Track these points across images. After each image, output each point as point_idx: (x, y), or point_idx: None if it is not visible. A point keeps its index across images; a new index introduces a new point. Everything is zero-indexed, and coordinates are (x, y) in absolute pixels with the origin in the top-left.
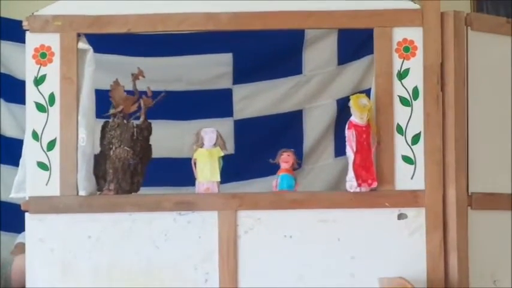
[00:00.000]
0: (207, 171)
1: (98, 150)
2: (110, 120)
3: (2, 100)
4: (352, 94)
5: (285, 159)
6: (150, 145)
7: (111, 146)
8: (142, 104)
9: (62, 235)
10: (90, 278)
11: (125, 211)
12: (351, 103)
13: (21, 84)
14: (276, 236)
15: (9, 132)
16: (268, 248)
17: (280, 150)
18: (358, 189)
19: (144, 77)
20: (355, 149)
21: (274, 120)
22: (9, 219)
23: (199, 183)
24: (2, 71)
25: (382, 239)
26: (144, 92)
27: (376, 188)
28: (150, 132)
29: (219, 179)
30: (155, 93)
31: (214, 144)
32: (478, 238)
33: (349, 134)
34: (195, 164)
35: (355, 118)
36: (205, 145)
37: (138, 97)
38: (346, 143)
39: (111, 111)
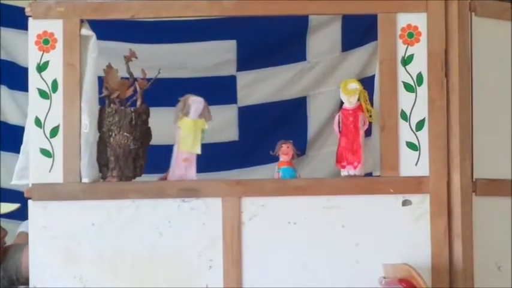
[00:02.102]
0: (190, 141)
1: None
2: (106, 105)
3: (5, 87)
4: (357, 80)
5: (285, 151)
6: (149, 128)
7: (110, 133)
8: (137, 87)
9: (65, 222)
10: (94, 265)
11: (128, 198)
12: (340, 89)
13: (25, 71)
14: (280, 222)
15: (13, 119)
16: (272, 234)
17: (279, 142)
18: (346, 172)
19: (136, 57)
20: (339, 132)
21: (278, 107)
22: None
23: (178, 152)
24: (5, 58)
25: (387, 225)
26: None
27: (381, 174)
28: (148, 116)
29: (199, 152)
30: (159, 81)
31: (200, 115)
32: (483, 224)
33: (336, 118)
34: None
35: (344, 103)
36: (191, 114)
37: (133, 80)
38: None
39: (104, 92)
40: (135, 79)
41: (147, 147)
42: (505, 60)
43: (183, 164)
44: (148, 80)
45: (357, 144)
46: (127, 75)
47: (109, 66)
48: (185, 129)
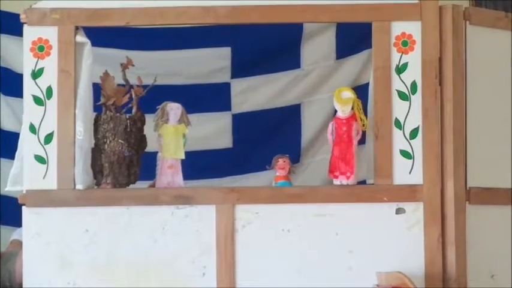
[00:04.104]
0: (173, 148)
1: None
2: (102, 112)
3: (0, 94)
4: (351, 88)
5: (281, 165)
6: (144, 135)
7: (105, 139)
8: (133, 95)
9: (59, 229)
10: (87, 271)
11: (122, 205)
12: (334, 98)
13: (20, 77)
14: (274, 230)
15: (8, 125)
16: (266, 242)
17: (275, 156)
18: (338, 182)
19: (133, 65)
20: (333, 141)
21: (273, 114)
22: (9, 213)
23: (163, 160)
24: (0, 65)
25: (380, 233)
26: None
27: (374, 182)
28: (143, 123)
29: (183, 157)
30: (153, 87)
31: (179, 121)
32: (476, 233)
33: (329, 127)
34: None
35: (338, 112)
36: (171, 121)
37: (129, 88)
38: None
39: (102, 100)
40: (131, 86)
41: (141, 154)
42: (499, 69)
43: (169, 171)
44: (144, 87)
45: (349, 154)
46: (122, 82)
47: (106, 74)
48: (167, 135)
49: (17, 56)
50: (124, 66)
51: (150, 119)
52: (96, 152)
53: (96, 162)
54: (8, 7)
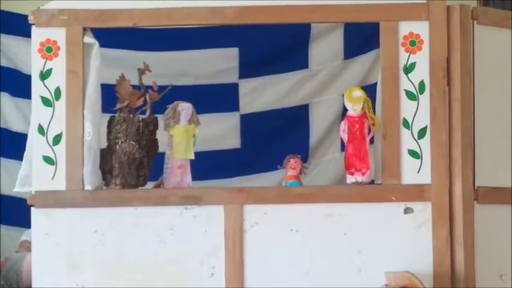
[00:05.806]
0: (183, 148)
1: (105, 145)
2: (116, 115)
3: (7, 94)
4: (360, 88)
5: (293, 165)
6: (156, 139)
7: (117, 140)
8: (148, 98)
9: (68, 229)
10: (96, 272)
11: (131, 205)
12: (345, 97)
13: (28, 78)
14: (282, 230)
15: (16, 126)
16: (274, 242)
17: (287, 156)
18: (353, 179)
19: (150, 71)
20: (346, 139)
21: (281, 114)
22: (10, 213)
23: (172, 160)
24: (7, 66)
25: (389, 233)
26: (151, 87)
27: (382, 182)
28: (156, 126)
29: (193, 157)
30: (161, 88)
31: (189, 121)
32: (485, 232)
33: (342, 125)
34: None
35: (349, 110)
36: (181, 121)
37: (144, 91)
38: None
39: (118, 105)
40: (146, 90)
41: (152, 157)
42: (506, 68)
43: (178, 171)
44: (159, 91)
45: (363, 151)
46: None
47: (122, 77)
48: (178, 136)
49: (23, 57)
50: (141, 72)
51: (159, 119)
52: (107, 152)
53: (106, 163)
54: (8, 7)
